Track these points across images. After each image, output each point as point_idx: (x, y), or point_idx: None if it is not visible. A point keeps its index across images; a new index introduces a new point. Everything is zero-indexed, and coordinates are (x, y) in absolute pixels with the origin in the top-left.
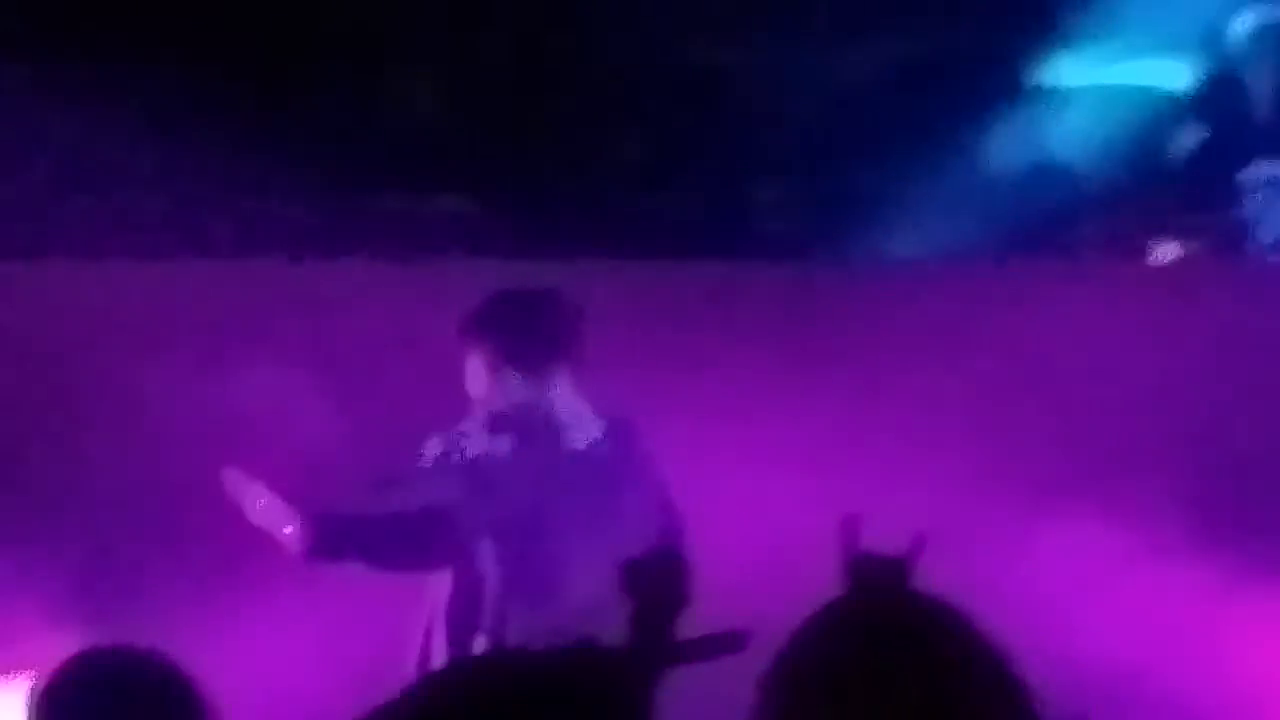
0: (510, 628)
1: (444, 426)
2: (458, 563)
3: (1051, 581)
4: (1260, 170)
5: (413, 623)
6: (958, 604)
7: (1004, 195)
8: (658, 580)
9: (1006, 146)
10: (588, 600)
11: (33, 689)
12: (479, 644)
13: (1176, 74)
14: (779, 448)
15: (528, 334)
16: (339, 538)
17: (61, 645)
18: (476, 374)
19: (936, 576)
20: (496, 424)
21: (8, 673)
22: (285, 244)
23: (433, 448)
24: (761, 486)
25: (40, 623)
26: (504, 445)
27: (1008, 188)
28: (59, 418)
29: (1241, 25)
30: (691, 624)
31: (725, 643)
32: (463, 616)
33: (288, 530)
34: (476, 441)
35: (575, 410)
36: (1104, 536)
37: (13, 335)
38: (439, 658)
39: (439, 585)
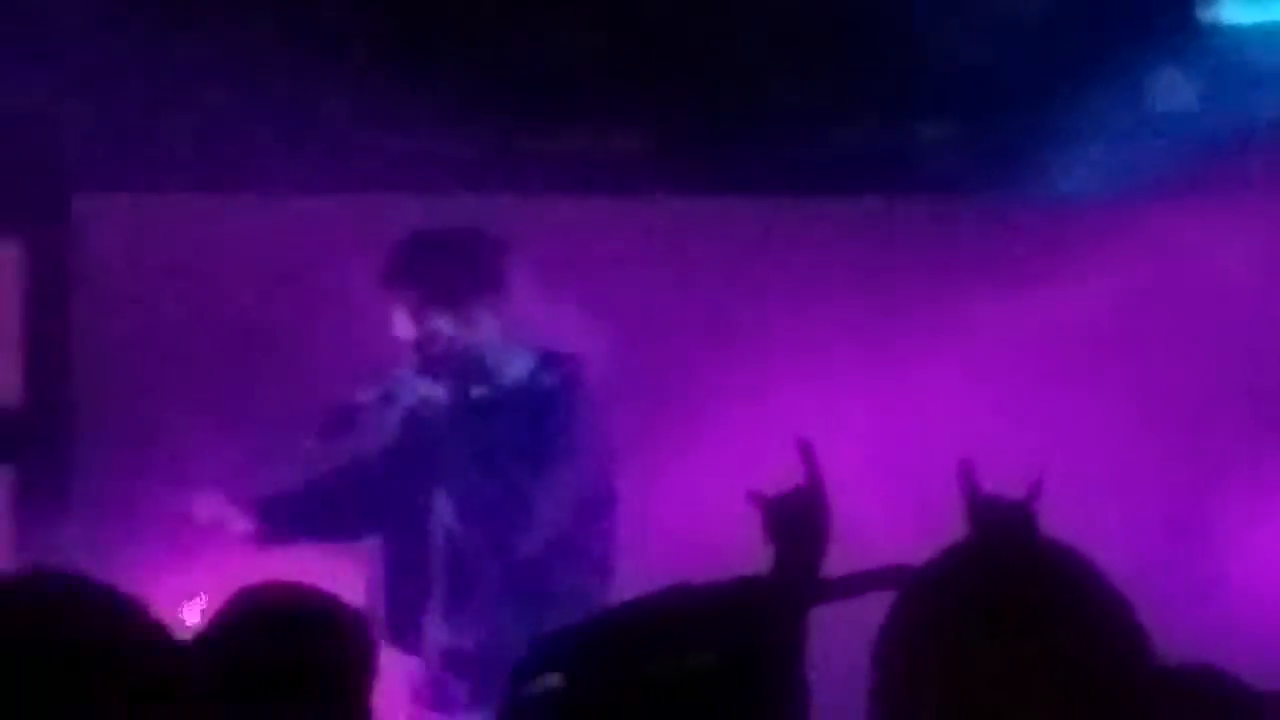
0: (470, 574)
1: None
2: (400, 515)
3: (1238, 530)
4: None
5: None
6: (1079, 548)
7: (1174, 131)
8: (798, 517)
9: (1177, 82)
10: (546, 539)
11: (200, 625)
12: (437, 595)
13: None
14: (941, 386)
15: (448, 274)
16: (285, 519)
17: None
18: (402, 320)
19: (1099, 514)
20: (429, 368)
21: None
22: (461, 180)
23: (366, 398)
24: (920, 424)
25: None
26: (439, 390)
27: (1178, 123)
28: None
29: None
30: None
31: (882, 578)
32: (412, 568)
33: (237, 525)
34: (411, 389)
35: (507, 347)
36: None
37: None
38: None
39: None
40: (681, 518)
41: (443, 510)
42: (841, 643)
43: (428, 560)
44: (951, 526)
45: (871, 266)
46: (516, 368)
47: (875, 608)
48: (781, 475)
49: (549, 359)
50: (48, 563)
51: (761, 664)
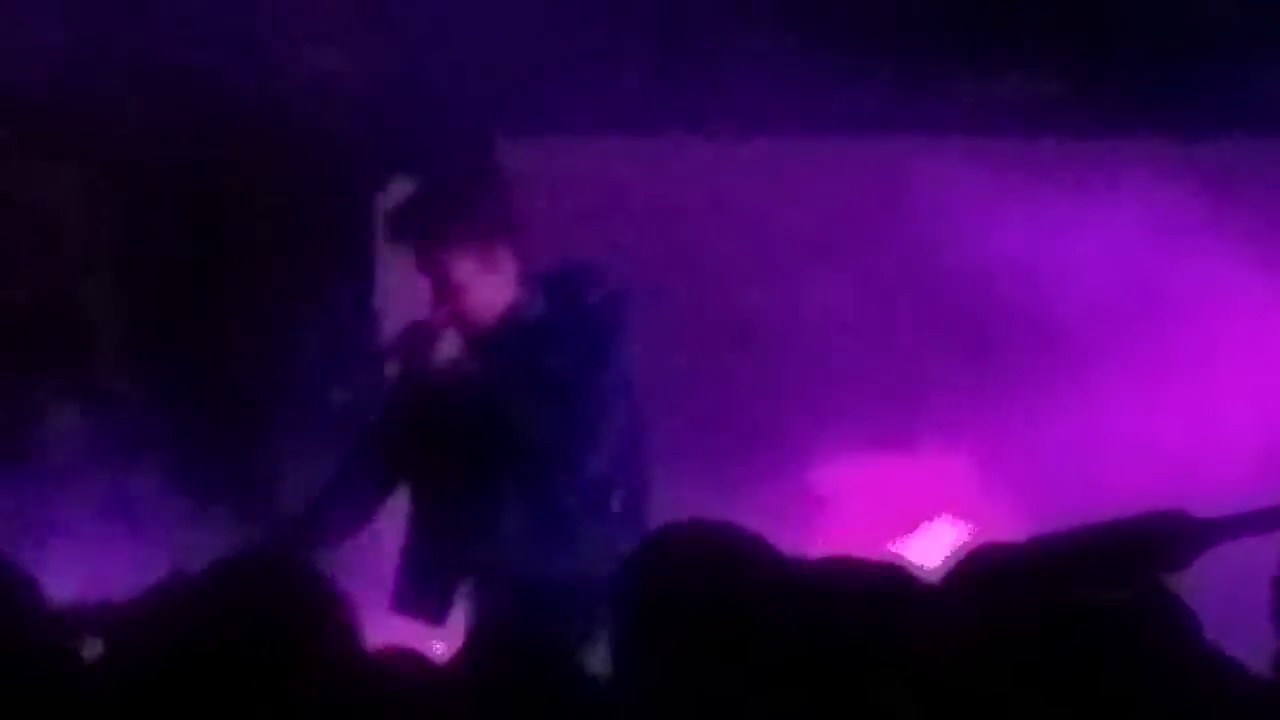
0: (546, 504)
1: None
2: (447, 465)
3: None
4: None
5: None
6: None
7: None
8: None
9: None
10: (609, 454)
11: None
12: (504, 538)
13: None
14: None
15: (465, 218)
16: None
17: None
18: (420, 270)
19: None
20: (454, 317)
21: None
22: (858, 122)
23: (392, 347)
24: None
25: None
26: (464, 338)
27: None
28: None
29: None
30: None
31: None
32: (460, 520)
33: None
34: (438, 339)
35: (532, 278)
36: None
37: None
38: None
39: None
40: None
41: (497, 452)
42: None
43: (486, 504)
44: None
45: None
46: (550, 295)
47: None
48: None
49: (587, 275)
50: None
51: (1169, 597)
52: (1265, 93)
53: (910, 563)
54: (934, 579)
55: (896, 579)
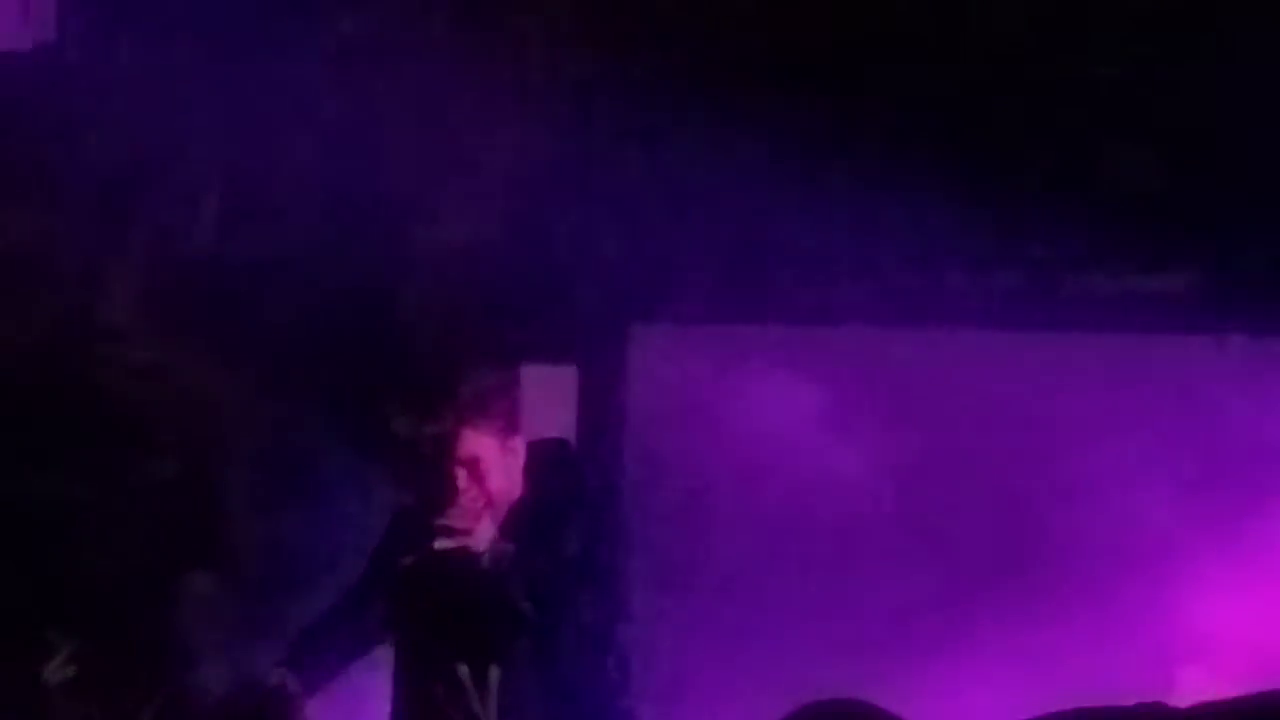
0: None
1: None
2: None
3: None
4: None
5: None
6: None
7: None
8: None
9: None
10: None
11: None
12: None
13: None
14: None
15: (504, 407)
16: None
17: None
18: (450, 457)
19: None
20: (488, 507)
21: None
22: (1002, 318)
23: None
24: None
25: None
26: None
27: None
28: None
29: None
30: None
31: None
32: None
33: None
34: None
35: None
36: None
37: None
38: None
39: None
40: None
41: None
42: None
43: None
44: None
45: None
46: (550, 475)
47: None
48: None
49: (569, 451)
50: None
51: None
52: None
53: None
54: None
55: None
